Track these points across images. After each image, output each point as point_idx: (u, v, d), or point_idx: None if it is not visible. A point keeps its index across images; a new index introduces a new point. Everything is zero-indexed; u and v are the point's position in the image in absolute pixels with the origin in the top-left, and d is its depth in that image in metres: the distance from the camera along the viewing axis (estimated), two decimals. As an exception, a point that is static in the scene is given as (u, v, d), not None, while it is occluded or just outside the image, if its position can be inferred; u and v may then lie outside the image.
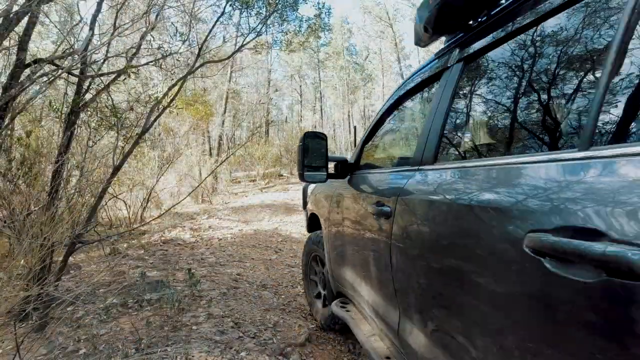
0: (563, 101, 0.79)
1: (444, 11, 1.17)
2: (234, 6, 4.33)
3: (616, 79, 0.64)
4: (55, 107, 3.22)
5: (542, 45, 0.88)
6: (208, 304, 2.68)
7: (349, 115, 27.47)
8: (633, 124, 0.62)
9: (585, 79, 0.75)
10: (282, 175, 14.02)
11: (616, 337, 0.53)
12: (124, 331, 2.19)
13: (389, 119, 1.82)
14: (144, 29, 3.08)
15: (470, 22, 1.19)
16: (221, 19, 4.32)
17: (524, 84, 0.93)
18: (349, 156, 2.10)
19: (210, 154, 13.60)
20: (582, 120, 0.71)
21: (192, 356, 1.91)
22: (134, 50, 3.04)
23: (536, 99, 0.88)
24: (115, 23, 2.92)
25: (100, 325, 2.26)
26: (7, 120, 2.39)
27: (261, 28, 4.34)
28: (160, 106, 3.06)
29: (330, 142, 22.51)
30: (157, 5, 3.38)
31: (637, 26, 0.61)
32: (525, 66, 0.93)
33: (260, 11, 4.41)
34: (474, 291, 0.82)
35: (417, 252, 1.09)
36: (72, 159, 2.99)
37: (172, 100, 3.17)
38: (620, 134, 0.63)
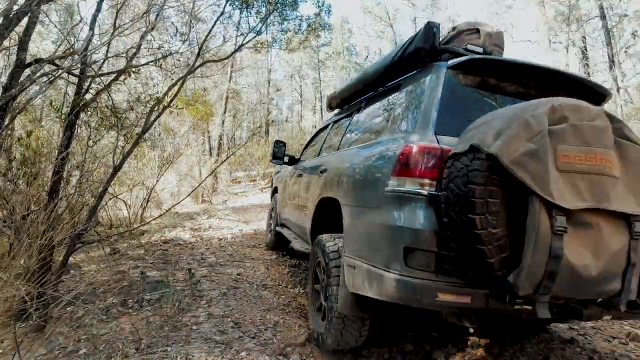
0: (339, 141, 2.78)
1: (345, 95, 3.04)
2: (234, 5, 4.33)
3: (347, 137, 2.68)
4: (55, 107, 3.22)
5: (355, 121, 2.69)
6: (208, 304, 2.67)
7: (349, 115, 27.47)
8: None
9: (349, 136, 2.67)
10: (282, 175, 14.00)
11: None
12: (124, 331, 2.19)
13: (314, 138, 3.84)
14: (144, 29, 3.08)
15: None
16: (221, 19, 4.32)
17: (341, 134, 2.80)
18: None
19: (210, 154, 13.60)
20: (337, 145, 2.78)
21: (192, 356, 1.91)
22: (134, 50, 3.04)
23: (339, 139, 2.79)
24: (115, 23, 2.92)
25: (100, 325, 2.26)
26: (7, 120, 2.39)
27: (261, 27, 4.34)
28: (160, 106, 3.06)
29: (330, 142, 23.89)
30: (157, 5, 3.38)
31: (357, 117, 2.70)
32: (347, 125, 2.78)
33: (260, 10, 4.41)
34: (300, 204, 3.08)
35: (302, 191, 3.06)
36: (72, 159, 2.99)
37: (172, 100, 3.17)
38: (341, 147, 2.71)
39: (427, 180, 1.50)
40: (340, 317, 1.86)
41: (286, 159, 3.80)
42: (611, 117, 1.34)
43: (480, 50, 2.16)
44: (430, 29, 1.90)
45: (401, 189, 1.56)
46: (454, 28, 2.47)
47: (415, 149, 1.55)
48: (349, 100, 2.98)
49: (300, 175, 3.25)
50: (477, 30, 2.38)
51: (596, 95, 1.98)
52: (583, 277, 1.21)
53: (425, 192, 1.48)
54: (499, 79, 1.83)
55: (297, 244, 3.06)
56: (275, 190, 4.50)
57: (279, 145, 3.83)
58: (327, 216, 2.34)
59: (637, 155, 1.33)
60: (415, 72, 2.07)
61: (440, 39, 2.04)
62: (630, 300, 1.29)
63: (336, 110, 3.39)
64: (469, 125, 1.46)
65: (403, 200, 1.55)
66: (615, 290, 1.28)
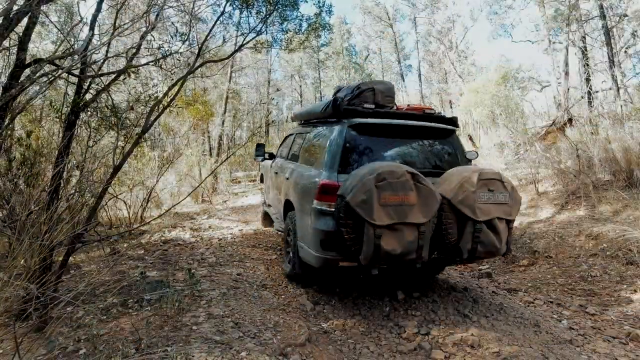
0: (298, 151, 3.88)
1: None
2: (234, 5, 4.33)
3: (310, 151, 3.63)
4: (55, 107, 3.22)
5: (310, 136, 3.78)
6: (208, 304, 2.67)
7: (349, 115, 27.46)
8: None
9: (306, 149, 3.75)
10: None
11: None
12: (124, 331, 2.19)
13: (285, 141, 4.75)
14: (144, 29, 3.08)
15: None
16: (221, 19, 4.31)
17: (300, 145, 3.93)
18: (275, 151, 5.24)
19: (211, 154, 13.59)
20: (297, 155, 3.92)
21: (192, 356, 1.91)
22: (134, 50, 3.04)
23: (298, 149, 3.89)
24: (115, 23, 2.92)
25: (100, 325, 2.26)
26: (7, 120, 2.39)
27: (261, 27, 4.33)
28: (160, 106, 3.06)
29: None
30: (157, 5, 3.38)
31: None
32: (304, 139, 3.89)
33: (261, 10, 4.41)
34: (276, 195, 4.26)
35: (277, 187, 4.27)
36: (72, 159, 2.99)
37: (172, 100, 3.16)
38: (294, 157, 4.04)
39: (332, 203, 2.72)
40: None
41: (267, 155, 5.11)
42: (412, 174, 2.59)
43: (373, 106, 3.29)
44: (336, 100, 3.28)
45: (318, 207, 2.85)
46: (358, 87, 3.47)
47: (325, 184, 2.85)
48: (305, 120, 4.31)
49: (276, 173, 4.42)
50: (373, 89, 3.44)
51: (446, 130, 3.33)
52: (392, 254, 2.52)
53: (330, 210, 2.76)
54: (376, 134, 3.12)
55: (277, 224, 4.21)
56: (262, 177, 5.87)
57: (260, 147, 5.18)
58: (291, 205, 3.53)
59: (426, 192, 2.60)
60: (333, 121, 3.31)
61: (351, 95, 3.42)
62: (422, 261, 2.67)
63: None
64: (355, 168, 2.82)
65: (320, 214, 2.83)
66: (413, 258, 2.61)
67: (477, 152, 3.97)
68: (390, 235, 2.50)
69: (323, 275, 3.45)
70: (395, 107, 3.57)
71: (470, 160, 3.50)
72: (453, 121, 3.47)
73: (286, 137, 4.92)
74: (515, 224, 5.53)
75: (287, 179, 3.70)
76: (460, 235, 2.70)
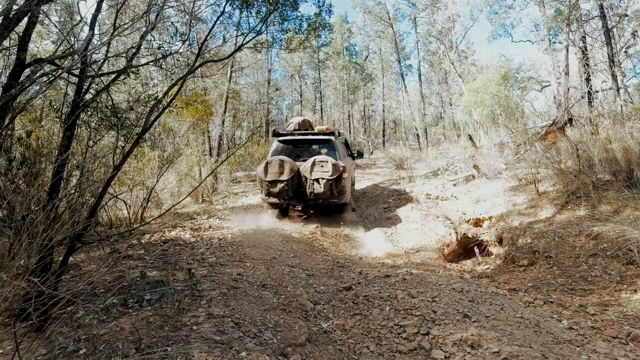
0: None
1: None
2: (234, 5, 4.33)
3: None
4: (55, 107, 3.22)
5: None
6: (208, 304, 2.67)
7: (349, 116, 27.44)
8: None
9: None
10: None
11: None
12: (124, 331, 2.19)
13: (277, 145, 7.02)
14: (144, 29, 3.08)
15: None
16: (221, 19, 4.31)
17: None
18: None
19: (211, 154, 13.59)
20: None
21: (192, 356, 1.91)
22: (134, 50, 3.03)
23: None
24: (115, 23, 2.92)
25: (100, 325, 2.26)
26: (7, 120, 2.39)
27: (261, 27, 4.33)
28: (160, 106, 3.06)
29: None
30: (157, 5, 3.38)
31: None
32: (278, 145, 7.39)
33: (261, 10, 4.41)
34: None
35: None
36: (72, 159, 2.99)
37: (172, 100, 3.16)
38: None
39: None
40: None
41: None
42: (281, 160, 6.24)
43: (291, 131, 7.40)
44: (275, 131, 7.51)
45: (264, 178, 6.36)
46: (287, 121, 7.76)
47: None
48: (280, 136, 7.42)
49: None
50: (295, 122, 7.52)
51: (325, 139, 6.82)
52: (273, 193, 6.23)
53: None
54: (288, 144, 6.97)
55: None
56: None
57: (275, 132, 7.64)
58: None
59: (287, 167, 6.21)
60: (275, 139, 7.14)
61: (285, 126, 7.76)
62: (288, 197, 6.22)
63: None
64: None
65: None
66: (284, 195, 6.22)
67: (360, 152, 8.86)
68: (272, 185, 6.16)
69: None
70: (305, 126, 7.59)
71: (352, 155, 8.55)
72: (332, 133, 7.01)
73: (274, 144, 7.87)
74: (516, 223, 5.55)
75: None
76: (304, 186, 6.22)
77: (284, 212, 7.09)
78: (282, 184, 6.09)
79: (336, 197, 6.21)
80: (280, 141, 6.90)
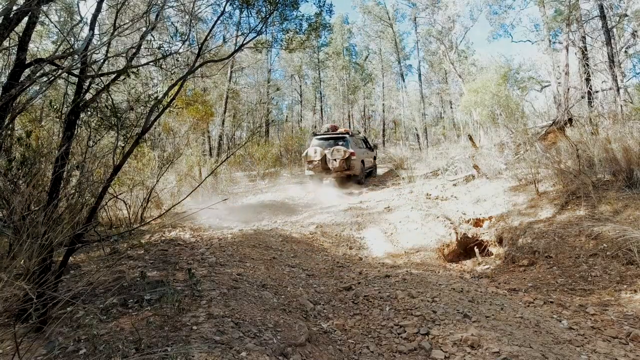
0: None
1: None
2: (234, 5, 4.33)
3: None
4: (55, 107, 3.22)
5: None
6: (208, 304, 2.67)
7: (349, 116, 27.44)
8: None
9: None
10: (282, 176, 14.01)
11: None
12: (124, 331, 2.19)
13: (314, 141, 11.33)
14: (144, 29, 3.08)
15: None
16: (221, 18, 4.31)
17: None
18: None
19: (211, 154, 13.59)
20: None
21: (192, 356, 1.91)
22: (134, 50, 3.03)
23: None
24: (115, 23, 2.92)
25: (100, 325, 2.26)
26: (7, 120, 2.39)
27: (261, 27, 4.33)
28: (160, 106, 3.06)
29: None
30: (157, 5, 3.38)
31: None
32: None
33: (261, 10, 4.41)
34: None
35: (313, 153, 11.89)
36: (72, 159, 2.98)
37: (172, 100, 3.16)
38: None
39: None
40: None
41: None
42: (319, 149, 10.92)
43: (323, 131, 11.93)
44: (314, 132, 13.24)
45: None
46: (326, 128, 12.14)
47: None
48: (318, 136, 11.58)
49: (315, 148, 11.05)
50: (326, 126, 12.17)
51: (343, 137, 10.92)
52: (333, 170, 10.61)
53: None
54: (321, 139, 11.19)
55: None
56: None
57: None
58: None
59: (322, 152, 10.81)
60: (313, 137, 11.81)
61: (323, 129, 12.39)
62: (326, 171, 10.91)
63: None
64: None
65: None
66: (320, 170, 10.84)
67: (376, 145, 14.46)
68: (310, 163, 10.69)
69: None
70: (332, 129, 11.80)
71: (367, 146, 12.66)
72: (347, 133, 10.95)
73: (314, 139, 11.52)
74: (516, 223, 5.55)
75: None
76: (328, 163, 10.44)
77: (318, 180, 11.02)
78: (316, 162, 10.50)
79: (347, 170, 10.39)
80: (316, 138, 11.22)
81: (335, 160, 10.25)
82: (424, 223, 6.41)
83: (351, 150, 10.29)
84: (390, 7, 24.31)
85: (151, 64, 3.36)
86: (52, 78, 2.43)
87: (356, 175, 10.66)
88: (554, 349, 2.41)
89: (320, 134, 11.46)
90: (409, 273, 3.98)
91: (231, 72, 15.34)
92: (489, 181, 7.67)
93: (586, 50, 11.70)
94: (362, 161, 11.23)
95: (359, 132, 14.70)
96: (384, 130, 27.48)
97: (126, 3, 3.75)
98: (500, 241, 5.73)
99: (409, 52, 27.90)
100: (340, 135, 10.90)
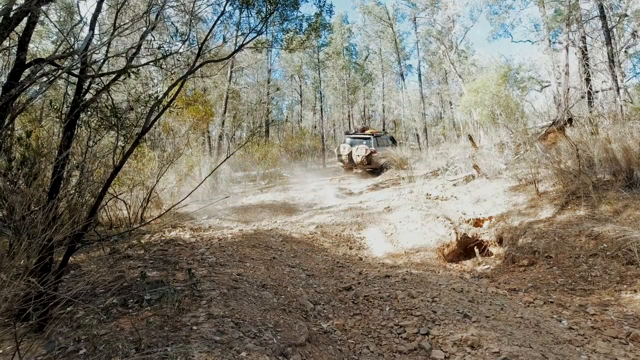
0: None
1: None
2: (234, 5, 4.33)
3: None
4: (55, 107, 3.22)
5: None
6: (208, 304, 2.67)
7: (349, 116, 27.44)
8: None
9: None
10: (282, 176, 14.01)
11: None
12: (124, 331, 2.19)
13: (347, 139, 14.20)
14: (144, 29, 3.08)
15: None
16: (221, 18, 4.31)
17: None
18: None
19: (211, 154, 13.59)
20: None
21: (192, 356, 1.91)
22: (134, 50, 3.03)
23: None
24: (115, 23, 2.92)
25: (100, 325, 2.26)
26: (7, 120, 2.39)
27: (261, 27, 4.33)
28: (160, 106, 3.06)
29: (330, 141, 24.80)
30: (157, 5, 3.38)
31: None
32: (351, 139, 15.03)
33: (261, 10, 4.40)
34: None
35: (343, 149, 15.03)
36: (72, 159, 2.98)
37: (172, 100, 3.16)
38: None
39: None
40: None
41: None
42: (349, 145, 13.83)
43: (354, 131, 15.33)
44: (346, 132, 18.17)
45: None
46: (356, 128, 16.82)
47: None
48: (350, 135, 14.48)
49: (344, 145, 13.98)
50: (356, 127, 19.73)
51: (368, 137, 13.54)
52: (348, 161, 13.59)
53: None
54: (352, 137, 13.89)
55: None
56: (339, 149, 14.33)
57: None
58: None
59: (348, 148, 13.65)
60: (346, 136, 14.86)
61: (354, 129, 17.57)
62: (354, 166, 13.81)
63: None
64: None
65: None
66: (351, 165, 13.76)
67: (395, 141, 16.12)
68: (340, 157, 13.75)
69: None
70: (361, 130, 14.55)
71: (393, 143, 15.33)
72: (370, 134, 13.56)
73: (347, 136, 14.23)
74: (516, 223, 5.55)
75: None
76: (354, 158, 13.24)
77: (348, 170, 13.80)
78: (345, 156, 13.22)
79: (368, 164, 12.87)
80: (347, 137, 13.84)
81: (358, 156, 12.91)
82: (424, 223, 6.40)
83: (372, 149, 12.83)
84: (390, 7, 24.31)
85: (151, 64, 3.36)
86: (52, 78, 2.43)
87: (375, 168, 13.13)
88: (554, 349, 2.41)
89: (351, 134, 14.23)
90: (409, 273, 3.98)
91: (231, 72, 15.35)
92: (489, 181, 7.67)
93: (586, 50, 11.70)
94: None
95: (386, 132, 17.63)
96: (384, 130, 27.50)
97: (126, 3, 3.75)
98: (500, 241, 5.73)
99: (409, 52, 27.89)
100: (366, 136, 13.39)
